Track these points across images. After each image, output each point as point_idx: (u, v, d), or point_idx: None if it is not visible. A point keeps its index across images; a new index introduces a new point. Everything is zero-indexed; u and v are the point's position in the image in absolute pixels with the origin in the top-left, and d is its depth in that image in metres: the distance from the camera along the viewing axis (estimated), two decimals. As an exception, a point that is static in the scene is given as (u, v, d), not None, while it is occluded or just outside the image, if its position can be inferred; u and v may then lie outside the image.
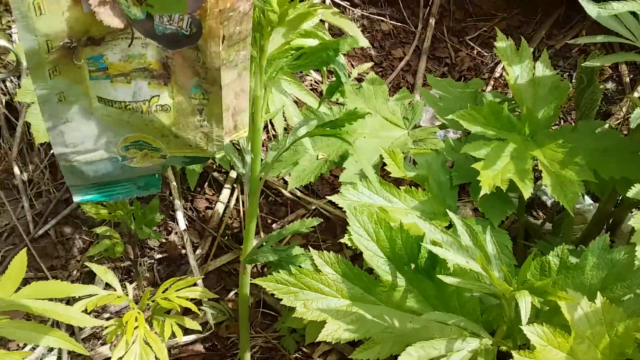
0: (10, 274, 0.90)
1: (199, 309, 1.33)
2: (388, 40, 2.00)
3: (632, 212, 1.33)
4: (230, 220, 1.55)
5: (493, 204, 1.22)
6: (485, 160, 1.15)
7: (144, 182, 0.98)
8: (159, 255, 1.49)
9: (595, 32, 1.18)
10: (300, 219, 1.45)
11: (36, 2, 0.71)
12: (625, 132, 1.68)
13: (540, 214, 1.57)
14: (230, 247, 1.51)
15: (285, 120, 1.33)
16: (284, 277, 1.03)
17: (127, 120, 0.85)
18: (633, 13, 1.16)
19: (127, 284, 1.21)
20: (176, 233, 1.51)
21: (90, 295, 1.09)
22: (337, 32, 1.85)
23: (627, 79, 1.91)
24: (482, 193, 1.10)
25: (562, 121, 1.85)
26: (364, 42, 0.90)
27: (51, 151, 1.52)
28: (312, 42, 0.89)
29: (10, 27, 1.56)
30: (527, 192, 1.12)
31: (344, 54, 1.38)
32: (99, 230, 1.33)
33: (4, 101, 1.55)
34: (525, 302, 0.85)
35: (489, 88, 1.91)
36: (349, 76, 1.56)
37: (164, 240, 1.50)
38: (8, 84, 1.55)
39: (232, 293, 1.44)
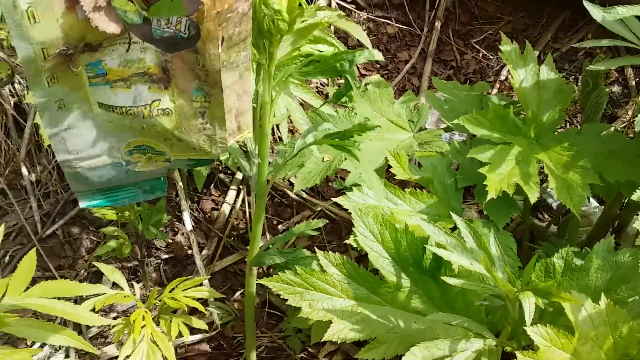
0: (20, 274, 0.91)
1: (205, 309, 1.33)
2: (394, 43, 2.01)
3: (637, 214, 1.34)
4: (236, 221, 1.56)
5: (498, 207, 1.22)
6: (491, 164, 1.15)
7: (149, 185, 0.98)
8: (166, 256, 1.50)
9: (601, 36, 1.18)
10: (305, 220, 1.46)
11: (30, 9, 0.71)
12: (631, 135, 1.68)
13: (546, 216, 1.57)
14: (236, 247, 1.52)
15: (291, 122, 1.34)
16: (289, 277, 1.04)
17: (128, 125, 0.85)
18: (638, 17, 1.16)
19: (135, 284, 1.22)
20: (182, 234, 1.52)
21: (98, 295, 1.10)
22: (342, 35, 1.86)
23: (633, 82, 1.91)
24: (488, 198, 1.11)
25: (568, 124, 1.86)
26: (378, 56, 0.89)
27: (59, 152, 1.53)
28: (321, 48, 0.89)
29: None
30: (533, 195, 1.12)
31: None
32: (106, 230, 1.34)
33: (12, 103, 1.57)
34: (529, 303, 0.85)
35: (495, 91, 1.91)
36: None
37: (170, 241, 1.51)
38: (17, 85, 1.57)
39: (237, 293, 1.45)
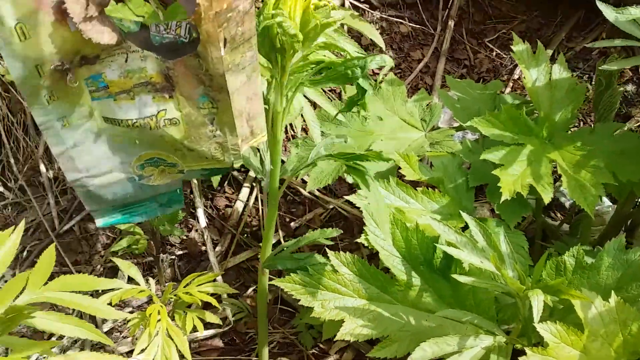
0: (40, 268, 0.93)
1: (219, 305, 1.35)
2: (407, 42, 2.02)
3: (649, 214, 1.33)
4: (249, 218, 1.58)
5: (511, 207, 1.22)
6: (503, 165, 1.16)
7: (166, 199, 0.95)
8: (180, 252, 1.52)
9: (616, 35, 1.18)
10: (318, 217, 1.47)
11: (18, 26, 0.67)
12: (644, 135, 1.67)
13: (558, 215, 1.57)
14: (249, 244, 1.54)
15: (304, 121, 1.35)
16: (301, 278, 1.05)
17: (136, 138, 0.82)
18: (651, 17, 1.16)
19: (150, 279, 1.24)
20: (197, 230, 1.54)
21: (114, 290, 1.12)
22: (355, 35, 1.87)
23: (648, 82, 1.90)
24: (502, 199, 1.11)
25: (581, 123, 1.85)
26: (390, 62, 0.86)
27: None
28: (331, 55, 0.87)
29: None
30: (547, 196, 1.12)
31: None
32: (122, 226, 1.36)
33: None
34: (538, 301, 0.86)
35: (508, 90, 1.91)
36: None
37: (184, 237, 1.54)
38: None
39: (250, 289, 1.46)
